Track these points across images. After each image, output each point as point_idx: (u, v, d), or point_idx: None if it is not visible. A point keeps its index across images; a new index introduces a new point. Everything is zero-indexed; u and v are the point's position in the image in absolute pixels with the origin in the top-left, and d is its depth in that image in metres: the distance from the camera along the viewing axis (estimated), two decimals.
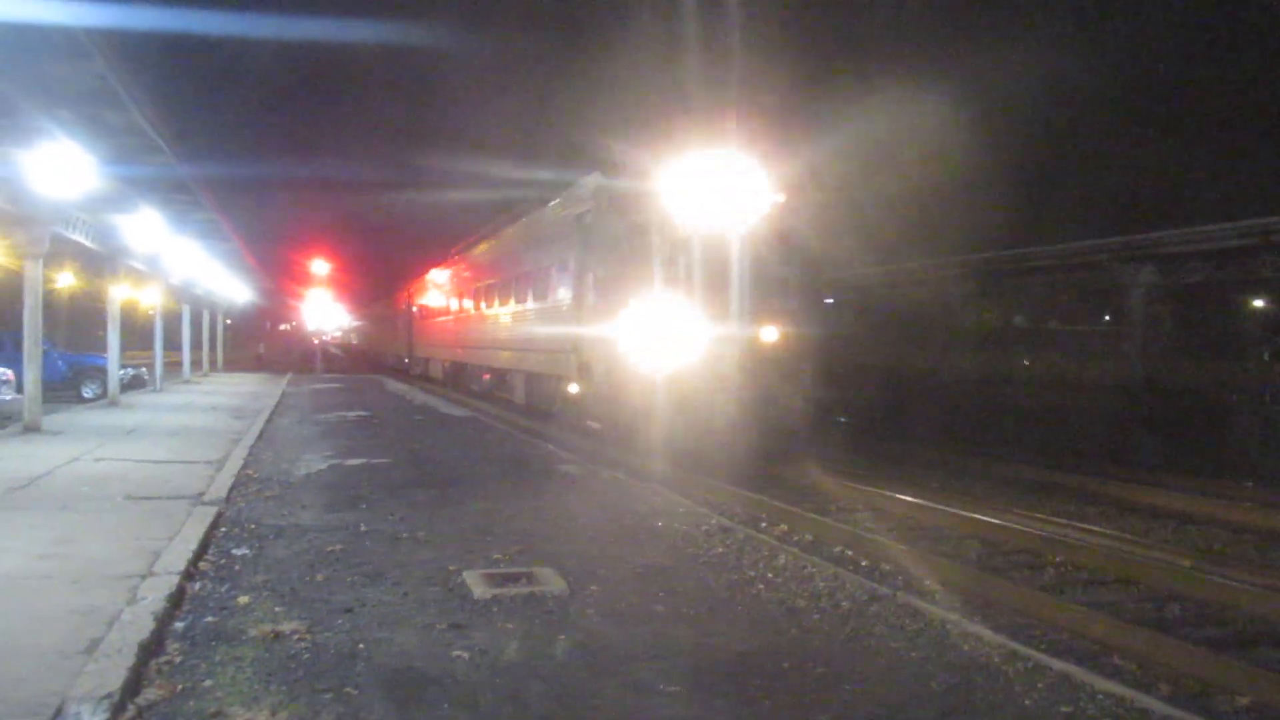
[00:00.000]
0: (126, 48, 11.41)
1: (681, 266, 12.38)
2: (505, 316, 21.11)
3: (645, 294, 12.56)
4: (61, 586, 5.84)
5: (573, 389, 15.33)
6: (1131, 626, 6.40)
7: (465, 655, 5.04)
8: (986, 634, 5.54)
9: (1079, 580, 7.98)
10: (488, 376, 24.04)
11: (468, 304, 25.71)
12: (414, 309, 37.17)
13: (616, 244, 13.46)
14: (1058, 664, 5.07)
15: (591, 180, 14.52)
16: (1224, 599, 7.21)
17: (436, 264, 32.52)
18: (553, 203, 16.89)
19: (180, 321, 32.77)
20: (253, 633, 5.32)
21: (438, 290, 31.75)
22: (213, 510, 8.51)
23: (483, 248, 24.36)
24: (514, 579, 6.55)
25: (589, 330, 14.29)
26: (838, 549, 8.81)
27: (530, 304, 18.71)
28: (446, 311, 29.56)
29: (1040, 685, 4.76)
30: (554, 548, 7.57)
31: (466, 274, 26.30)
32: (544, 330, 17.34)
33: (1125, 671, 5.75)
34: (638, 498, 10.01)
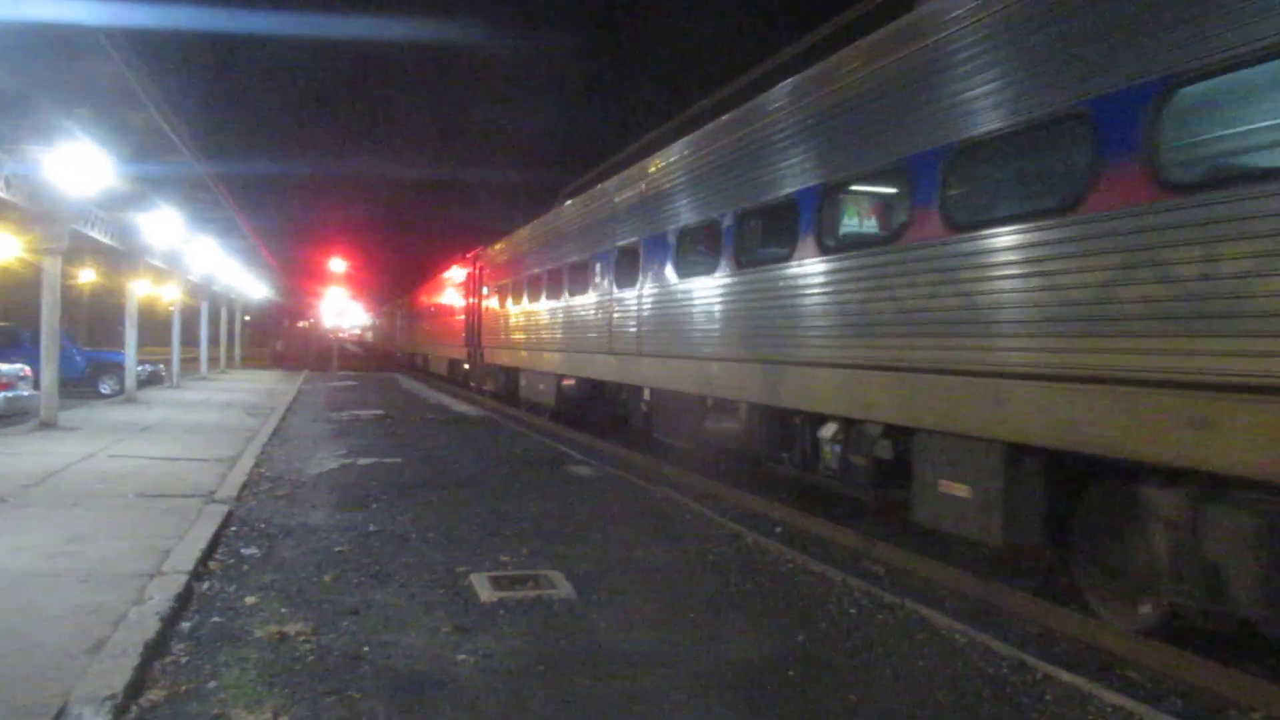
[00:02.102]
0: (145, 47, 11.51)
1: None
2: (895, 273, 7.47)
3: None
4: (70, 585, 5.87)
5: None
6: None
7: (469, 659, 5.03)
8: None
9: None
10: (721, 424, 11.26)
11: (666, 268, 12.19)
12: (486, 292, 24.78)
13: None
14: None
15: None
16: None
17: (538, 215, 20.52)
18: None
19: (198, 318, 33.03)
20: (258, 634, 5.32)
21: (556, 254, 17.83)
22: (223, 509, 8.53)
23: (727, 134, 10.67)
24: (521, 582, 6.55)
25: None
26: None
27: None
28: (586, 288, 15.85)
29: None
30: (563, 550, 7.55)
31: (665, 199, 12.38)
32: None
33: None
34: (649, 498, 9.97)
